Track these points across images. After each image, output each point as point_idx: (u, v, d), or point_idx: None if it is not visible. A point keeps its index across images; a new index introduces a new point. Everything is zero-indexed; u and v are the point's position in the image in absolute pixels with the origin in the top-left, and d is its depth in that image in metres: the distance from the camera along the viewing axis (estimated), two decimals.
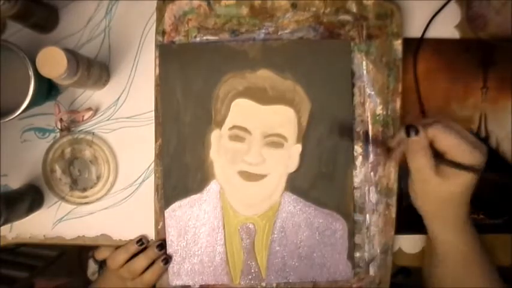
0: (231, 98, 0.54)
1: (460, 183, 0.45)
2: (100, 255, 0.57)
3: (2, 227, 0.55)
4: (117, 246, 0.56)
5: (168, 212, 0.54)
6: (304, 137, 0.54)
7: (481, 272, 0.50)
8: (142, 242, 0.55)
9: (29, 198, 0.56)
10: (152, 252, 0.54)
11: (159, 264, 0.54)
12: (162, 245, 0.55)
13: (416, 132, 0.44)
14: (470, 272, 0.49)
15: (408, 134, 0.44)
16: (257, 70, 0.53)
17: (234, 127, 0.53)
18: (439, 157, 0.45)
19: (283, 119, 0.53)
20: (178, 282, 0.55)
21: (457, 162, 0.44)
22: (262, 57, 0.54)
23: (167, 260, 0.55)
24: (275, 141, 0.53)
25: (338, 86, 0.54)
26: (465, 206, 0.48)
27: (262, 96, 0.53)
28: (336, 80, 0.54)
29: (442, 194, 0.46)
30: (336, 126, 0.53)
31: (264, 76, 0.53)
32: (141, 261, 0.54)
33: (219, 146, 0.54)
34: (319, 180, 0.54)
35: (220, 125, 0.54)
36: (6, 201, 0.51)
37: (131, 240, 0.56)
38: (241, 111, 0.53)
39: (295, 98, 0.53)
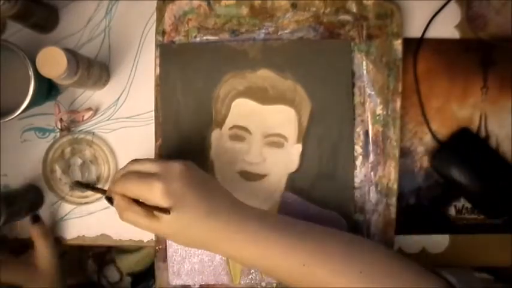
0: (232, 98, 0.54)
1: (167, 219, 0.41)
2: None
3: (2, 227, 0.55)
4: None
5: None
6: (304, 137, 0.54)
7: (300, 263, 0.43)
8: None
9: (29, 198, 0.56)
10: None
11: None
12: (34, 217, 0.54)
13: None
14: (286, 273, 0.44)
15: (111, 204, 0.43)
16: (257, 70, 0.53)
17: (234, 127, 0.54)
18: (141, 203, 0.42)
19: (284, 119, 0.53)
20: (179, 282, 0.55)
21: (146, 204, 0.42)
22: (263, 57, 0.54)
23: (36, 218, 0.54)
24: (275, 141, 0.53)
25: (338, 86, 0.54)
26: (201, 228, 0.42)
27: (262, 96, 0.53)
28: (336, 79, 0.54)
29: (169, 232, 0.43)
30: None
31: (265, 76, 0.53)
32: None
33: (219, 146, 0.54)
34: (320, 180, 0.54)
35: (220, 124, 0.54)
36: (6, 201, 0.51)
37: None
38: (242, 111, 0.53)
39: (295, 98, 0.53)
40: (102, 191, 0.46)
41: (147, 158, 0.45)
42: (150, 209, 0.42)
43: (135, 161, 0.45)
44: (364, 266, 0.42)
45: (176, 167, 0.42)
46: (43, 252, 0.53)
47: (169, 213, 0.41)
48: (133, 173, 0.43)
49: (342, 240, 0.45)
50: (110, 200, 0.44)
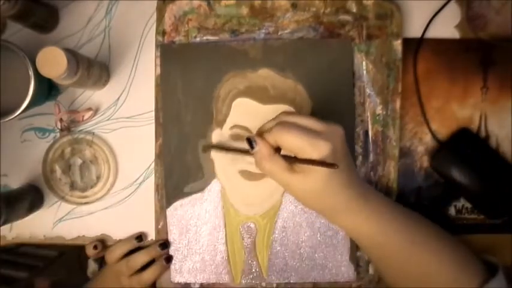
0: (232, 98, 0.54)
1: (317, 177, 0.41)
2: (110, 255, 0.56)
3: (2, 227, 0.55)
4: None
5: (169, 211, 0.55)
6: None
7: (408, 246, 0.45)
8: (141, 238, 0.56)
9: (29, 198, 0.56)
10: (154, 250, 0.54)
11: (161, 262, 0.54)
12: (164, 244, 0.55)
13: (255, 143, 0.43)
14: (390, 252, 0.46)
15: (251, 147, 0.43)
16: (258, 69, 0.53)
17: (235, 126, 0.54)
18: (290, 157, 0.42)
19: None
20: (181, 280, 0.55)
21: (305, 158, 0.41)
22: (263, 56, 0.54)
23: (169, 258, 0.55)
24: None
25: (339, 85, 0.54)
26: (340, 195, 0.43)
27: (263, 95, 0.53)
28: (337, 79, 0.54)
29: (308, 190, 0.42)
30: None
31: (265, 75, 0.53)
32: (141, 257, 0.54)
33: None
34: None
35: (221, 124, 0.54)
36: (6, 201, 0.51)
37: (130, 235, 0.56)
38: (242, 110, 0.53)
39: (296, 98, 0.53)
40: (247, 139, 0.44)
41: (304, 114, 0.45)
42: (306, 163, 0.41)
43: (290, 113, 0.44)
44: (454, 255, 0.45)
45: (339, 129, 0.43)
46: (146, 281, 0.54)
47: (337, 167, 0.40)
48: (294, 125, 0.42)
49: (434, 228, 0.47)
50: (250, 143, 0.43)
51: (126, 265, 0.54)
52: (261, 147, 0.42)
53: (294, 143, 0.41)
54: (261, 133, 0.44)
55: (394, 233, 0.45)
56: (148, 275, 0.54)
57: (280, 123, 0.42)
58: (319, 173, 0.41)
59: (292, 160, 0.42)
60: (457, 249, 0.46)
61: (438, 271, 0.44)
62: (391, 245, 0.45)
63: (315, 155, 0.40)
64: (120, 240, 0.56)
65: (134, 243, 0.55)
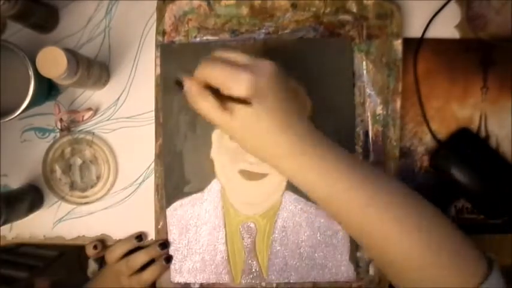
0: None
1: (243, 115, 0.39)
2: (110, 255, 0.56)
3: (2, 227, 0.55)
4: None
5: (169, 211, 0.55)
6: None
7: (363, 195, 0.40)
8: (141, 238, 0.56)
9: (29, 198, 0.56)
10: (154, 250, 0.54)
11: (161, 262, 0.54)
12: (164, 244, 0.55)
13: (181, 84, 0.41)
14: (349, 202, 0.40)
15: (182, 88, 0.41)
16: None
17: None
18: (218, 94, 0.40)
19: None
20: (181, 280, 0.55)
21: (228, 95, 0.39)
22: (264, 56, 0.53)
23: (169, 258, 0.55)
24: None
25: (340, 85, 0.54)
26: (277, 137, 0.40)
27: None
28: (337, 79, 0.54)
29: (238, 129, 0.40)
30: None
31: None
32: (141, 257, 0.54)
33: (220, 145, 0.54)
34: None
35: None
36: (6, 201, 0.51)
37: (130, 235, 0.56)
38: None
39: (296, 98, 0.53)
40: (176, 81, 0.43)
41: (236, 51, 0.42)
42: (227, 100, 0.39)
43: (221, 50, 0.42)
44: (421, 221, 0.39)
45: (267, 64, 0.40)
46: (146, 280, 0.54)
47: (250, 104, 0.38)
48: (219, 59, 0.40)
49: (401, 188, 0.41)
50: (179, 84, 0.42)
51: (125, 265, 0.54)
52: (188, 85, 0.41)
53: (216, 76, 0.39)
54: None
55: (346, 192, 0.39)
56: (148, 275, 0.54)
57: (206, 58, 0.41)
58: (243, 110, 0.39)
59: (219, 96, 0.40)
60: (447, 234, 0.39)
61: (406, 250, 0.38)
62: (343, 205, 0.40)
63: (234, 88, 0.38)
64: (120, 240, 0.56)
65: (134, 243, 0.55)
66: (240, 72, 0.38)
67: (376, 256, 0.42)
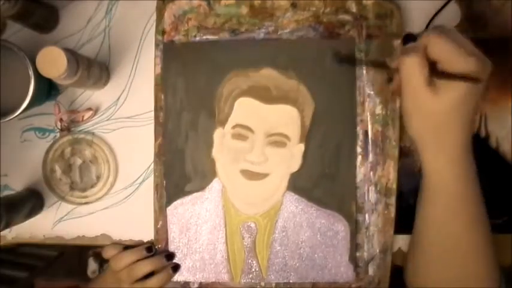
0: (235, 97, 0.53)
1: (452, 97, 0.39)
2: (108, 253, 0.54)
3: None
4: (126, 246, 0.54)
5: (170, 210, 0.55)
6: (307, 137, 0.54)
7: (471, 221, 0.44)
8: (151, 249, 0.54)
9: (30, 203, 0.56)
10: (159, 261, 0.53)
11: (168, 271, 0.53)
12: (170, 255, 0.54)
13: (414, 40, 0.40)
14: (459, 219, 0.43)
15: (405, 43, 0.41)
16: (260, 69, 0.53)
17: (237, 126, 0.53)
18: (432, 70, 0.39)
19: (287, 119, 0.53)
20: (180, 278, 0.55)
21: (448, 72, 0.39)
22: (265, 56, 0.53)
23: (176, 267, 0.54)
24: (278, 140, 0.53)
25: (342, 86, 0.54)
26: (463, 132, 0.41)
27: (265, 95, 0.53)
28: (339, 79, 0.54)
29: (435, 111, 0.40)
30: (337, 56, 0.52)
31: (268, 75, 0.53)
32: (144, 267, 0.52)
33: (222, 145, 0.54)
34: (322, 180, 0.54)
35: (223, 123, 0.54)
36: (6, 206, 0.51)
37: (141, 245, 0.54)
38: (245, 110, 0.53)
39: (298, 98, 0.53)
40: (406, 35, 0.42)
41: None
42: (453, 78, 0.39)
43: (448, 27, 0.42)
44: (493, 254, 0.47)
45: (490, 64, 0.40)
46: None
47: (480, 83, 0.38)
48: (450, 35, 0.39)
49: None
50: (408, 38, 0.41)
51: (127, 273, 0.52)
52: (417, 44, 0.40)
53: (447, 49, 0.39)
54: None
55: (472, 196, 0.43)
56: (153, 283, 0.53)
57: (438, 27, 0.41)
58: (456, 92, 0.39)
59: (432, 73, 0.39)
60: (493, 255, 0.47)
61: (475, 263, 0.46)
62: (461, 201, 0.43)
63: (462, 64, 0.38)
64: (130, 249, 0.53)
65: (143, 254, 0.53)
66: (470, 56, 0.38)
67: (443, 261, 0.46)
